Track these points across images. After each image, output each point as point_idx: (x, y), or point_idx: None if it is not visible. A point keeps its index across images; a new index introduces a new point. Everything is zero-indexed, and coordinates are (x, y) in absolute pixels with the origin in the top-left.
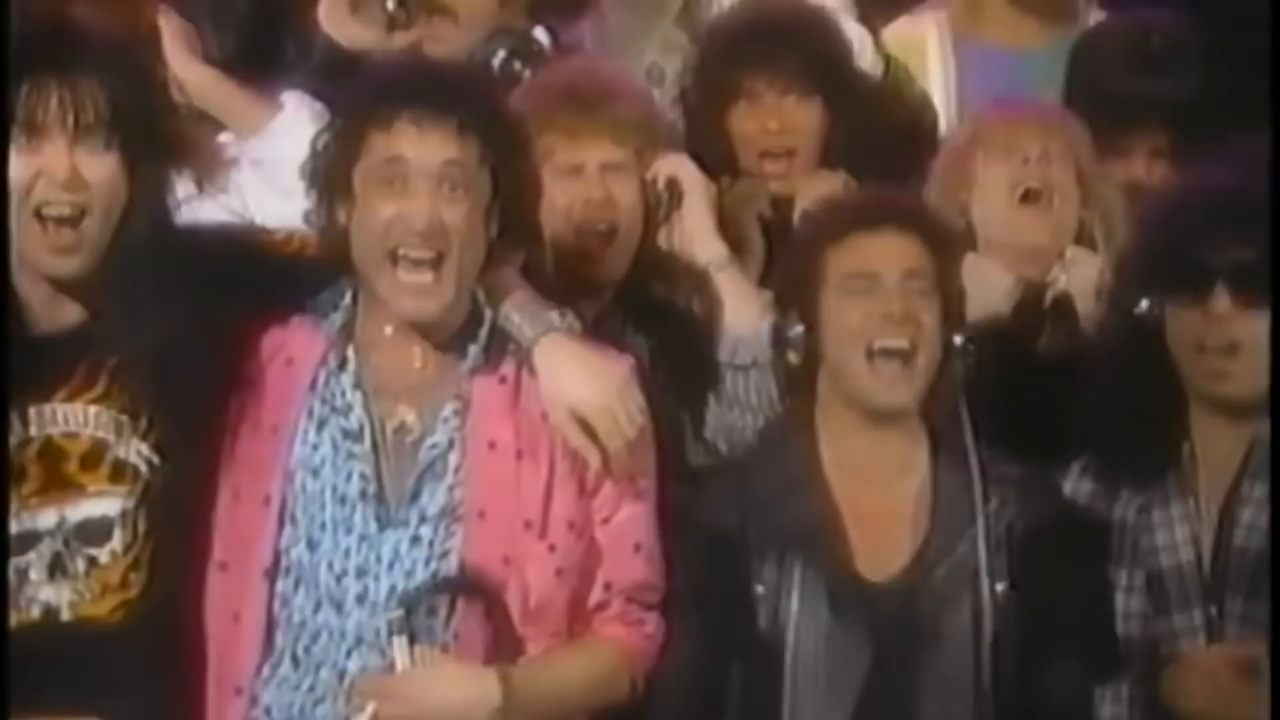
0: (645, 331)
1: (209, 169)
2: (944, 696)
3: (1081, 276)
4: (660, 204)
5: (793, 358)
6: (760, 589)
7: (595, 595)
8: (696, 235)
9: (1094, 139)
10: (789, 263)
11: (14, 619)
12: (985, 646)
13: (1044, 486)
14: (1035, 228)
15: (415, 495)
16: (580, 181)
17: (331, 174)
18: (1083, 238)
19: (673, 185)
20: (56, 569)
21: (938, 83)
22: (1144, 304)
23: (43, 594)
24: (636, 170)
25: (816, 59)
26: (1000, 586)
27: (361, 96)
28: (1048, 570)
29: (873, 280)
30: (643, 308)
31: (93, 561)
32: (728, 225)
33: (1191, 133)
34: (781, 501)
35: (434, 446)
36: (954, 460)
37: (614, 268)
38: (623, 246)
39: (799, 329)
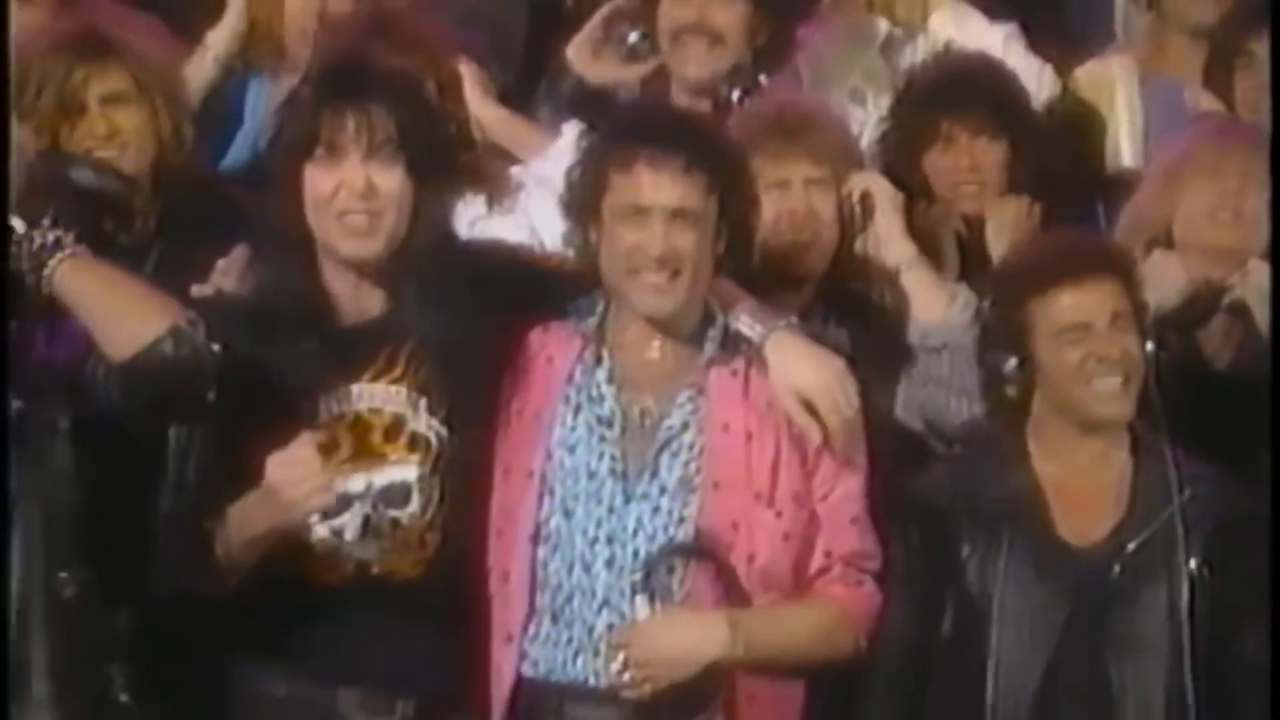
0: (844, 323)
1: (498, 193)
2: (1137, 655)
3: (1255, 285)
4: (854, 214)
5: (1010, 391)
6: (968, 550)
7: (817, 561)
8: (889, 239)
9: None
10: (996, 309)
11: (331, 575)
12: (1183, 615)
13: (1233, 484)
14: (1226, 238)
15: (655, 471)
16: (786, 195)
17: (584, 202)
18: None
19: (866, 198)
20: (367, 529)
21: (1125, 116)
22: None
23: (356, 552)
24: (834, 185)
25: (1002, 105)
26: (1194, 563)
27: (606, 139)
28: (1239, 554)
29: (1085, 329)
30: (841, 302)
31: (395, 523)
32: (926, 242)
33: None
34: (991, 482)
35: (670, 427)
36: (1152, 456)
37: (814, 268)
38: (822, 249)
39: (1013, 363)
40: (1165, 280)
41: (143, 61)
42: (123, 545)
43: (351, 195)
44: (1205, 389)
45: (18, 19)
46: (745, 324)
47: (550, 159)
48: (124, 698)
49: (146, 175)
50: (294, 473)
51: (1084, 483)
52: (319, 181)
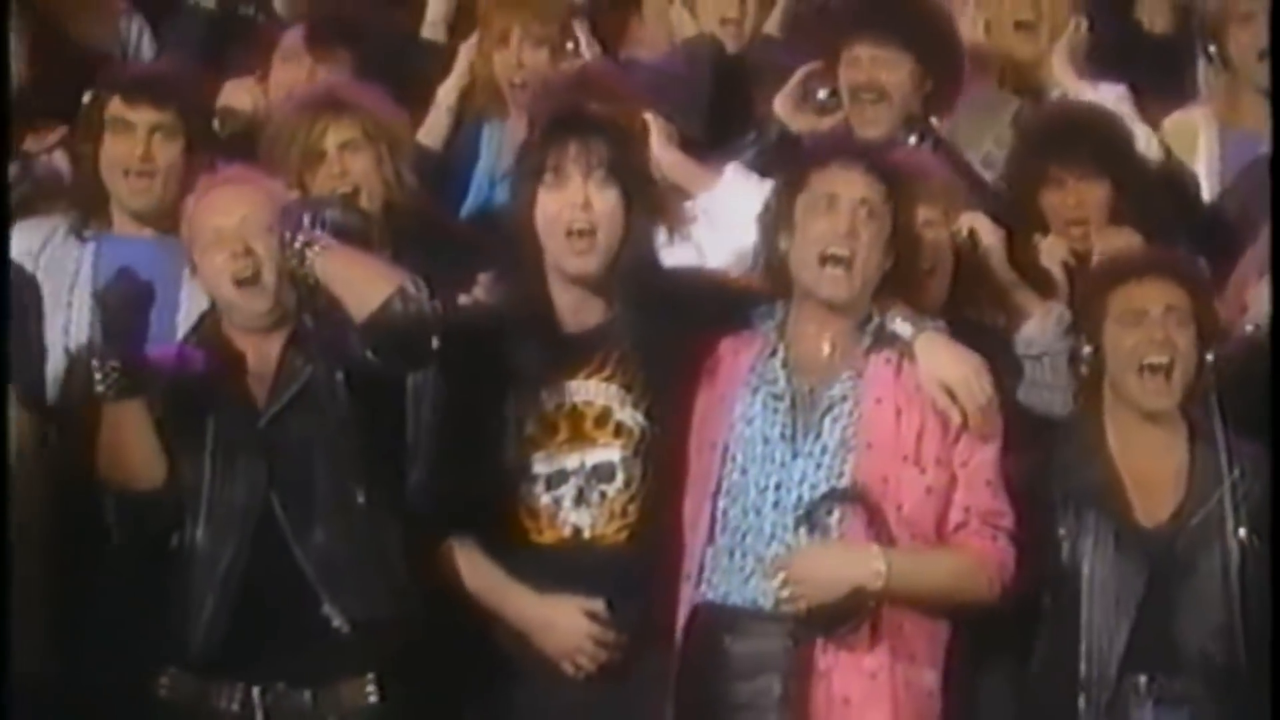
0: (963, 341)
1: (677, 225)
2: (1202, 610)
3: None
4: (964, 249)
5: (1083, 370)
6: (1062, 531)
7: (956, 516)
8: (995, 270)
9: None
10: (1084, 301)
11: (551, 536)
12: (1234, 576)
13: (1270, 459)
14: None
15: (818, 433)
16: None
17: (780, 211)
18: None
19: (973, 234)
20: (581, 500)
21: (1203, 160)
22: None
23: (572, 518)
24: (945, 224)
25: (1105, 150)
26: (1243, 532)
27: (806, 149)
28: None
29: (1141, 316)
30: (961, 325)
31: (603, 495)
32: (1038, 270)
33: None
34: (1078, 470)
35: (832, 396)
36: (1206, 441)
37: (937, 297)
38: (941, 281)
39: (1088, 349)
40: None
41: (370, 116)
42: (389, 468)
43: (575, 210)
44: (1262, 381)
45: (276, 75)
46: (899, 324)
47: (714, 192)
48: (407, 588)
49: (379, 213)
50: (560, 638)
51: (1152, 469)
52: (548, 203)
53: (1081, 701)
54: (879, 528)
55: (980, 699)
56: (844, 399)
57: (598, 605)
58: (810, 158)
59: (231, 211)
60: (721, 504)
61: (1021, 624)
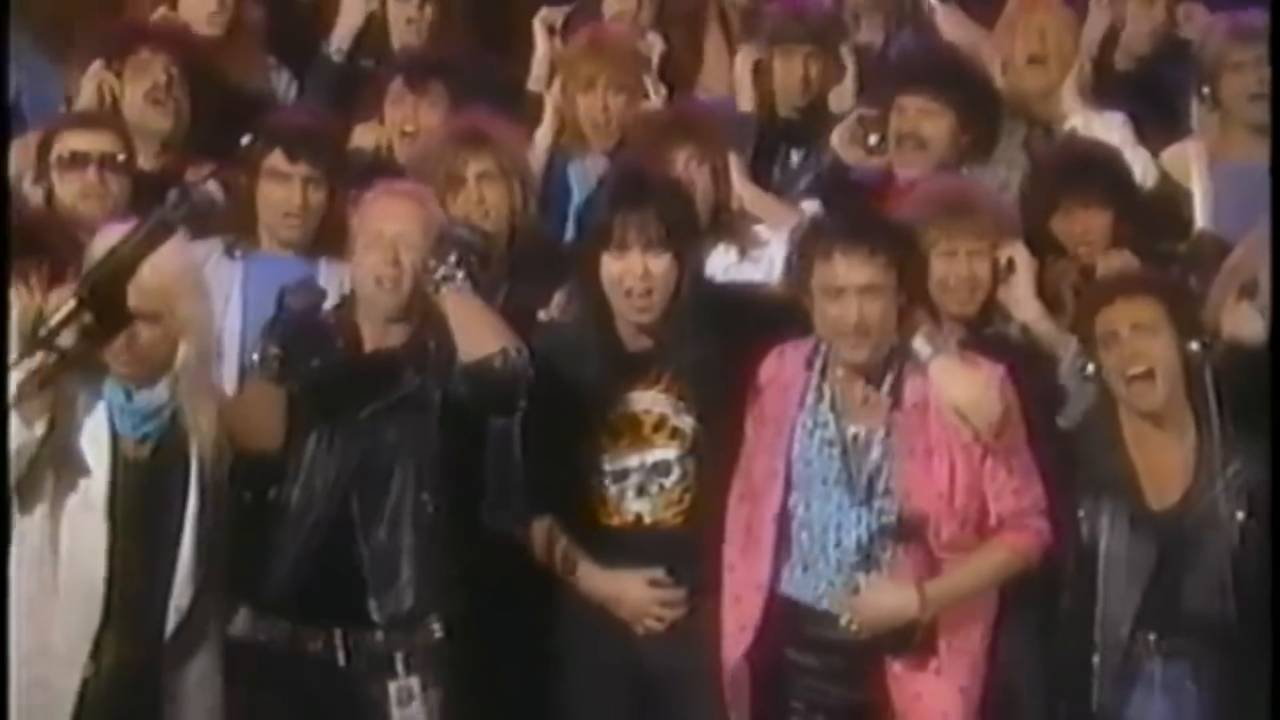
0: (991, 354)
1: (748, 246)
2: (1205, 581)
3: None
4: (1002, 274)
5: (1092, 387)
6: (1082, 513)
7: (992, 521)
8: (1025, 299)
9: None
10: (1080, 328)
11: (616, 520)
12: (1230, 553)
13: (1263, 452)
14: None
15: (867, 484)
16: (954, 262)
17: (798, 276)
18: None
19: (1011, 263)
20: (641, 491)
21: (1199, 189)
22: None
23: (634, 506)
24: (990, 254)
25: (1107, 182)
26: (1240, 515)
27: (811, 234)
28: (1265, 506)
29: (1114, 337)
30: (985, 337)
31: (661, 487)
32: (1049, 290)
33: None
34: (1097, 460)
35: (874, 459)
36: (1208, 437)
37: (968, 311)
38: (977, 300)
39: (1090, 368)
40: (1245, 327)
41: (506, 150)
42: (463, 484)
43: (634, 277)
44: (1258, 386)
45: (389, 115)
46: (919, 344)
47: (783, 234)
48: (461, 585)
49: (504, 235)
50: (631, 606)
51: (1162, 461)
52: (611, 264)
53: (1095, 659)
54: (925, 555)
55: (1007, 657)
56: (883, 457)
57: (658, 572)
58: (814, 246)
59: (393, 221)
60: (792, 527)
61: (1044, 593)
